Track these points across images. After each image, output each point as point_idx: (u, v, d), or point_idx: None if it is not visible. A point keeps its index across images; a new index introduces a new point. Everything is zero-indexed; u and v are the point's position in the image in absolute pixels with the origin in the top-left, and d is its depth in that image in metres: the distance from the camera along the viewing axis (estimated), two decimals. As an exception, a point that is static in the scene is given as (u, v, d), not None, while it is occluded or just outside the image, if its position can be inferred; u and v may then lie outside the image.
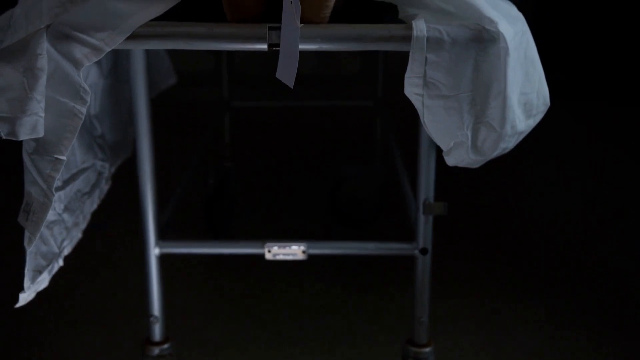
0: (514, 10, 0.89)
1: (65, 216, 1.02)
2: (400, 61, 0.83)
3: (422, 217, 1.12)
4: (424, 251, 1.14)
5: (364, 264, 1.67)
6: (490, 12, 0.80)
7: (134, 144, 1.14)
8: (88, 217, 1.12)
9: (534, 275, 1.65)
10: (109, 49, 0.80)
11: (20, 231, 0.89)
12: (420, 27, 0.80)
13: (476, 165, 0.90)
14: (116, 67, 1.17)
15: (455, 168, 0.91)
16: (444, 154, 0.89)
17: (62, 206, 1.01)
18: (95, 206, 1.15)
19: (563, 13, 2.82)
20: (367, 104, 2.07)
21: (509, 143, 0.87)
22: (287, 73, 0.81)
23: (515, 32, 0.83)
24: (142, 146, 1.08)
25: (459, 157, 0.88)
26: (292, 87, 0.81)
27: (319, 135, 2.44)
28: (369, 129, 2.13)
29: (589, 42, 2.83)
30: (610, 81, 2.82)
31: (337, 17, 0.86)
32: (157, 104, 1.15)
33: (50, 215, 0.98)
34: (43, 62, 0.78)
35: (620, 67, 2.82)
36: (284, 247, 1.14)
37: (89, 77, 1.08)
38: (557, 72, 2.71)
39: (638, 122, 2.55)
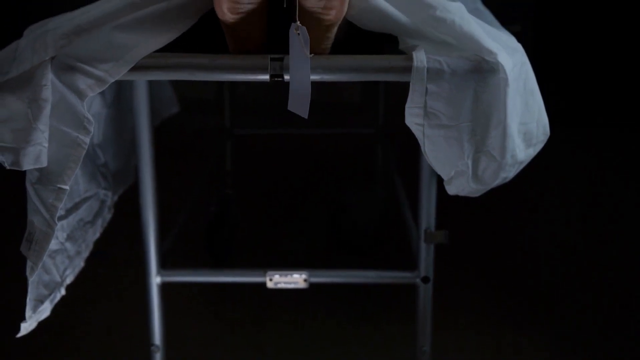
0: (513, 41, 0.90)
1: (68, 245, 1.02)
2: (401, 89, 0.84)
3: (423, 246, 1.12)
4: (425, 280, 1.14)
5: (365, 292, 1.66)
6: (489, 43, 0.81)
7: (136, 173, 1.14)
8: (90, 245, 1.12)
9: (537, 304, 1.64)
10: (113, 80, 0.81)
11: (22, 260, 0.89)
12: (420, 58, 0.81)
13: (477, 194, 0.90)
14: (119, 96, 1.18)
15: (457, 195, 0.92)
16: (444, 183, 0.89)
17: (64, 235, 1.02)
18: (97, 235, 1.15)
19: (562, 41, 2.84)
20: (368, 132, 2.08)
21: (510, 172, 0.88)
22: (299, 104, 0.81)
23: (514, 63, 0.84)
24: (144, 175, 1.08)
25: (459, 186, 0.88)
26: (306, 117, 0.82)
27: (320, 163, 2.45)
28: (369, 157, 2.14)
29: (588, 68, 2.85)
30: (610, 108, 2.83)
31: (339, 48, 0.87)
32: (159, 131, 1.16)
33: (53, 245, 0.98)
34: (47, 93, 0.79)
35: (620, 93, 2.84)
36: (286, 275, 1.14)
37: (92, 106, 1.09)
38: (556, 99, 2.72)
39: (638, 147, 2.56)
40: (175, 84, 1.47)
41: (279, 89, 0.85)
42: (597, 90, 2.86)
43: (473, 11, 1.03)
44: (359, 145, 2.44)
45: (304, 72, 0.80)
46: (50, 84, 0.79)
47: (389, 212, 1.88)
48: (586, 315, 1.60)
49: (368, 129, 2.09)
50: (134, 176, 1.26)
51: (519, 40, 0.93)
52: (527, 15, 2.70)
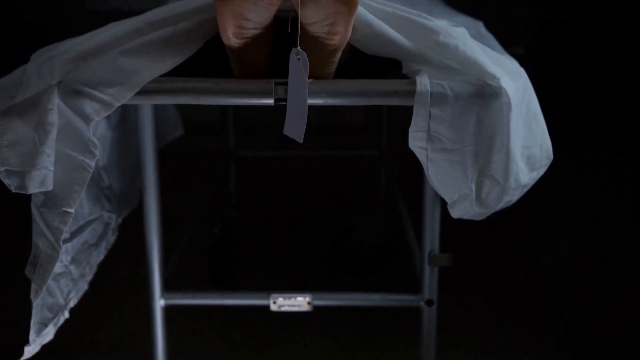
0: (515, 65, 0.91)
1: (72, 268, 1.02)
2: (404, 111, 0.85)
3: (427, 269, 1.13)
4: (429, 302, 1.14)
5: (369, 314, 1.66)
6: (492, 68, 0.82)
7: (141, 195, 1.15)
8: (95, 268, 1.12)
9: (540, 326, 1.63)
10: (119, 104, 0.81)
11: (26, 283, 0.89)
12: (423, 82, 0.82)
13: (480, 218, 0.90)
14: (124, 119, 1.19)
15: (460, 218, 0.92)
16: (448, 207, 0.89)
17: (69, 258, 1.02)
18: (101, 257, 1.15)
19: (565, 64, 2.85)
20: (372, 154, 2.09)
21: (513, 196, 0.88)
22: (295, 128, 0.82)
23: (517, 87, 0.84)
24: (148, 198, 1.09)
25: (463, 209, 0.88)
26: (301, 142, 0.83)
27: (324, 185, 2.45)
28: (373, 179, 2.14)
29: (591, 90, 2.86)
30: (612, 130, 2.83)
31: (343, 72, 0.88)
32: (163, 153, 1.16)
33: (57, 267, 0.98)
34: (54, 117, 0.80)
35: (622, 115, 2.84)
36: (289, 298, 1.14)
37: (97, 130, 1.10)
38: (558, 122, 2.73)
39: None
40: (180, 106, 1.48)
41: (283, 111, 0.86)
42: (599, 113, 2.86)
43: (476, 35, 1.04)
44: (363, 167, 2.45)
45: (301, 97, 0.81)
46: (56, 108, 0.80)
47: (393, 234, 1.87)
48: (590, 336, 1.59)
49: (372, 151, 2.09)
50: (138, 199, 1.26)
51: (522, 63, 0.94)
52: (530, 38, 2.72)
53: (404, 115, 0.85)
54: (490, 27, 1.22)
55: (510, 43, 2.83)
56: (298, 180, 2.48)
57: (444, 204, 0.92)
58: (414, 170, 1.00)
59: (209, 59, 0.89)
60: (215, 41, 0.85)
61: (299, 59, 0.80)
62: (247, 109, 2.31)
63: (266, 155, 2.40)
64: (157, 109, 1.08)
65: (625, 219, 2.21)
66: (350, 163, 2.52)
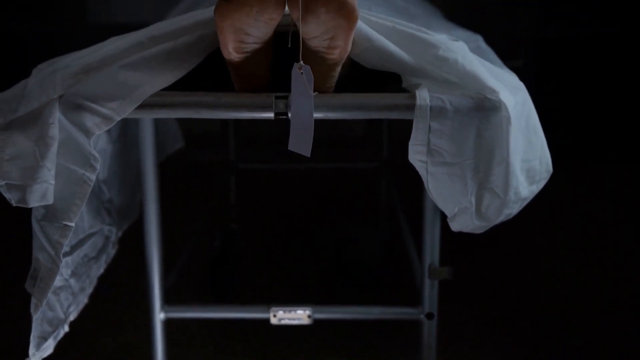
0: (515, 79, 0.91)
1: (72, 281, 1.02)
2: (404, 123, 0.85)
3: (427, 282, 1.12)
4: (429, 316, 1.14)
5: (369, 327, 1.65)
6: (491, 82, 0.82)
7: (141, 208, 1.15)
8: (94, 281, 1.12)
9: (541, 339, 1.63)
10: (120, 118, 0.81)
11: (26, 297, 0.89)
12: (423, 96, 0.82)
13: (480, 231, 0.91)
14: (125, 132, 1.19)
15: (460, 232, 0.92)
16: (448, 220, 0.89)
17: (69, 271, 1.02)
18: (102, 270, 1.15)
19: (565, 76, 2.86)
20: (372, 166, 2.09)
21: (513, 209, 0.88)
22: (301, 143, 0.82)
23: (516, 101, 0.84)
24: (149, 211, 1.09)
25: (463, 222, 0.88)
26: (308, 156, 0.83)
27: (325, 197, 2.45)
28: (373, 191, 2.14)
29: (591, 103, 2.87)
30: (613, 142, 2.84)
31: (343, 86, 0.88)
32: (163, 165, 1.16)
33: (57, 281, 0.98)
34: (55, 131, 0.80)
35: (623, 128, 2.85)
36: (290, 311, 1.14)
37: (98, 143, 1.10)
38: (558, 134, 2.73)
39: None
40: (181, 119, 1.49)
41: (282, 123, 0.86)
42: (599, 125, 2.87)
43: (475, 49, 1.05)
44: (363, 179, 2.45)
45: (306, 111, 0.81)
46: (57, 122, 0.80)
47: (393, 247, 1.87)
48: (591, 346, 1.59)
49: (372, 163, 2.10)
50: (138, 212, 1.26)
51: (522, 74, 0.94)
52: (530, 50, 2.73)
53: (404, 128, 0.85)
54: (489, 41, 1.22)
55: (509, 56, 2.84)
56: (298, 193, 2.48)
57: (444, 216, 0.92)
58: (414, 182, 1.00)
59: (209, 73, 0.90)
60: (215, 55, 0.86)
61: (302, 73, 0.80)
62: (247, 121, 2.31)
63: (266, 167, 2.41)
64: (158, 122, 1.08)
65: (625, 231, 2.21)
66: (351, 175, 2.52)
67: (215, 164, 2.14)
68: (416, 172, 0.86)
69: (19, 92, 0.86)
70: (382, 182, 2.03)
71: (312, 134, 0.82)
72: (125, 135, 1.19)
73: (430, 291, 1.13)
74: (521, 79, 0.95)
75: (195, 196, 2.34)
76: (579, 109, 2.87)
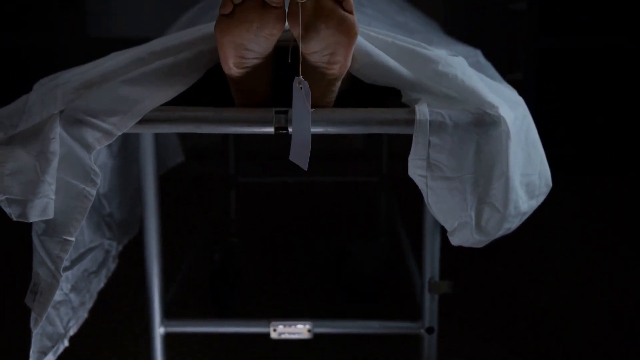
0: (514, 94, 0.92)
1: (72, 296, 1.02)
2: (404, 137, 0.85)
3: (427, 296, 1.12)
4: (429, 330, 1.13)
5: (369, 341, 1.65)
6: (491, 96, 0.82)
7: (141, 222, 1.15)
8: (95, 296, 1.12)
9: (542, 353, 1.63)
10: (120, 133, 0.82)
11: (26, 312, 0.89)
12: (423, 111, 0.82)
13: (480, 245, 0.91)
14: (125, 147, 1.19)
15: (460, 246, 0.92)
16: (448, 234, 0.89)
17: (69, 286, 1.02)
18: (102, 285, 1.15)
19: (564, 90, 2.87)
20: (372, 180, 2.09)
21: (513, 223, 0.88)
22: (300, 155, 0.83)
23: (515, 116, 0.85)
24: (149, 225, 1.09)
25: (463, 237, 0.89)
26: (306, 169, 0.83)
27: (325, 211, 2.45)
28: (373, 205, 2.14)
29: (590, 115, 2.87)
30: (612, 155, 2.84)
31: (342, 100, 0.88)
32: (163, 179, 1.17)
33: (57, 296, 0.98)
34: (56, 146, 0.80)
35: (621, 142, 2.85)
36: (290, 325, 1.14)
37: (98, 157, 1.10)
38: (558, 147, 2.73)
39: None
40: (181, 133, 1.49)
41: (283, 138, 0.86)
42: (598, 138, 2.87)
43: (474, 64, 1.05)
44: (363, 193, 2.45)
45: (305, 125, 0.82)
46: (58, 137, 0.80)
47: (393, 261, 1.87)
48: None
49: (372, 177, 2.10)
50: (138, 226, 1.26)
51: (521, 88, 0.95)
52: (529, 63, 2.74)
53: (404, 141, 0.86)
54: (489, 55, 1.23)
55: (509, 70, 2.85)
56: (298, 207, 2.48)
57: (444, 230, 0.92)
58: (414, 196, 1.00)
59: (209, 88, 0.90)
60: (215, 70, 0.86)
61: (301, 88, 0.80)
62: (247, 135, 2.32)
63: (266, 181, 2.41)
64: (158, 136, 1.08)
65: (624, 244, 2.21)
66: (351, 189, 2.52)
67: (216, 178, 2.14)
68: (416, 186, 0.86)
69: (21, 107, 0.86)
70: (382, 196, 2.03)
71: (310, 147, 0.82)
72: (125, 150, 1.19)
73: (430, 305, 1.13)
74: (521, 92, 0.95)
75: (195, 210, 2.34)
76: (580, 121, 2.88)
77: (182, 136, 1.53)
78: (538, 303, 1.86)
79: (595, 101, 2.88)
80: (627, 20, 2.82)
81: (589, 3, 2.81)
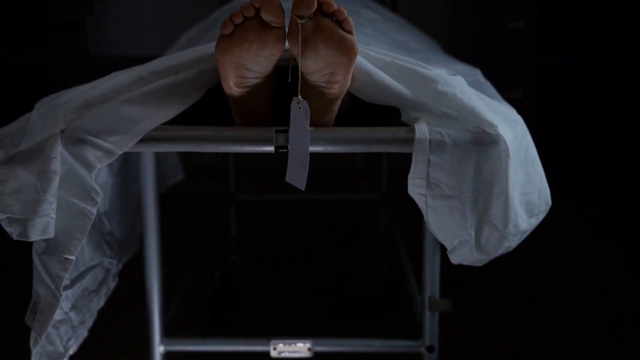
0: (513, 113, 0.92)
1: (72, 315, 1.02)
2: (404, 155, 0.86)
3: (428, 314, 1.12)
4: (430, 349, 1.13)
5: (369, 359, 1.65)
6: (490, 116, 0.83)
7: (141, 240, 1.15)
8: (95, 315, 1.12)
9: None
10: (121, 152, 0.82)
11: (26, 331, 0.89)
12: (422, 130, 0.83)
13: (480, 264, 0.90)
14: (126, 165, 1.19)
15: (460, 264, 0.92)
16: (448, 253, 0.89)
17: (69, 305, 1.02)
18: (102, 303, 1.15)
19: (563, 106, 2.87)
20: (372, 197, 2.09)
21: (512, 242, 0.88)
22: (297, 176, 0.83)
23: (515, 134, 0.85)
24: (149, 243, 1.09)
25: (463, 255, 0.89)
26: (303, 189, 0.83)
27: (325, 229, 2.45)
28: (373, 222, 2.14)
29: (589, 131, 2.88)
30: (611, 173, 2.84)
31: (342, 119, 0.89)
32: (163, 197, 1.17)
33: (57, 315, 0.98)
34: (57, 165, 0.80)
35: (621, 159, 2.86)
36: (290, 344, 1.14)
37: (99, 176, 1.10)
38: (557, 163, 2.74)
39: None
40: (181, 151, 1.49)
41: (283, 156, 0.87)
42: (598, 156, 2.87)
43: (473, 83, 1.06)
44: (363, 210, 2.45)
45: (303, 145, 0.82)
46: (59, 156, 0.80)
47: (393, 278, 1.87)
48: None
49: (372, 195, 2.10)
50: (138, 244, 1.26)
51: (520, 106, 0.95)
52: (528, 81, 2.75)
53: (404, 159, 0.86)
54: (489, 72, 1.23)
55: (509, 85, 2.86)
56: (298, 224, 2.48)
57: (444, 248, 0.92)
58: (414, 214, 1.00)
59: (210, 107, 0.90)
60: (216, 90, 0.86)
61: (300, 107, 0.81)
62: (247, 154, 2.32)
63: (266, 199, 2.41)
64: (158, 154, 1.09)
65: (624, 261, 2.20)
66: (351, 206, 2.53)
67: (216, 196, 2.14)
68: (416, 204, 0.86)
69: (22, 126, 0.87)
70: (382, 213, 2.03)
71: (307, 167, 0.82)
72: (126, 168, 1.20)
73: (430, 323, 1.13)
74: (520, 110, 0.96)
75: (195, 228, 2.34)
76: (579, 138, 2.89)
77: (183, 154, 1.53)
78: (538, 321, 1.85)
79: (595, 118, 2.88)
80: (625, 38, 2.83)
81: (587, 21, 2.82)
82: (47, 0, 2.78)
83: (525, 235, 0.90)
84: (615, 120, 2.87)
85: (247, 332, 1.75)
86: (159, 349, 1.13)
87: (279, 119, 0.87)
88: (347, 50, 0.77)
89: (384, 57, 0.87)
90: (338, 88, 0.81)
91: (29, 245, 0.87)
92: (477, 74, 1.16)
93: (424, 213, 0.86)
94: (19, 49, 2.86)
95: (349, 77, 0.81)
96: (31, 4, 2.79)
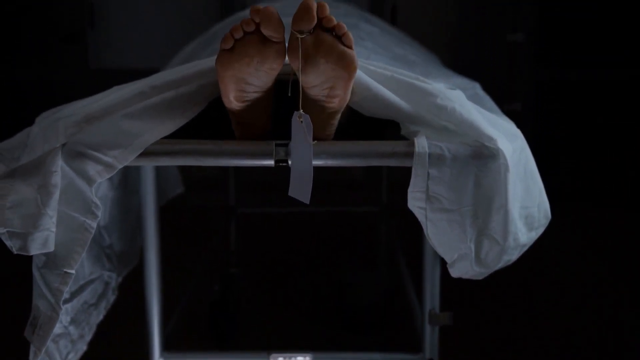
0: (512, 127, 0.92)
1: (72, 329, 1.02)
2: (404, 167, 0.86)
3: (428, 327, 1.12)
4: (430, 362, 1.13)
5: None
6: (489, 130, 0.83)
7: (141, 253, 1.15)
8: (94, 328, 1.11)
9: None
10: (121, 166, 0.82)
11: (25, 345, 0.89)
12: (422, 143, 0.83)
13: (480, 277, 0.90)
14: (126, 178, 1.19)
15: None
16: (448, 266, 0.89)
17: (68, 319, 1.01)
18: (101, 317, 1.14)
19: (563, 119, 2.88)
20: (372, 210, 2.09)
21: (512, 255, 0.88)
22: (301, 190, 0.83)
23: (514, 148, 0.85)
24: (149, 257, 1.09)
25: (463, 269, 0.89)
26: (307, 203, 0.83)
27: (325, 242, 2.45)
28: (373, 235, 2.14)
29: (589, 146, 2.88)
30: (611, 187, 2.85)
31: (342, 133, 0.89)
32: (163, 210, 1.17)
33: (57, 328, 0.97)
34: (57, 179, 0.80)
35: (621, 173, 2.86)
36: (290, 357, 1.13)
37: (99, 190, 1.10)
38: (557, 177, 2.74)
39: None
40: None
41: (282, 169, 0.87)
42: (598, 169, 2.88)
43: (472, 96, 1.06)
44: (363, 223, 2.45)
45: (306, 159, 0.82)
46: (60, 170, 0.80)
47: (393, 292, 1.87)
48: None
49: (371, 207, 2.10)
50: (138, 257, 1.26)
51: (520, 118, 0.95)
52: (528, 94, 2.76)
53: (404, 172, 0.86)
54: (488, 84, 1.24)
55: (508, 98, 2.86)
56: (298, 237, 2.48)
57: (444, 261, 0.92)
58: (414, 226, 1.00)
59: (210, 121, 0.91)
60: (216, 103, 0.87)
61: (301, 122, 0.81)
62: (247, 167, 2.33)
63: (266, 212, 2.41)
64: (158, 168, 1.09)
65: (624, 275, 2.20)
66: (350, 219, 2.52)
67: (215, 209, 2.14)
68: (416, 217, 0.86)
69: (23, 140, 0.87)
70: (382, 226, 2.03)
71: (312, 181, 0.82)
72: (126, 182, 1.20)
73: (430, 337, 1.13)
74: (520, 122, 0.96)
75: (195, 240, 2.34)
76: (579, 151, 2.89)
77: (183, 167, 1.53)
78: (538, 334, 1.85)
79: (594, 130, 2.89)
80: (625, 51, 2.84)
81: (587, 33, 2.84)
82: (47, 13, 2.79)
83: (525, 249, 0.90)
84: (614, 133, 2.88)
85: (247, 346, 1.75)
86: (158, 362, 1.13)
87: (279, 132, 0.87)
88: (347, 65, 0.78)
89: (383, 71, 0.87)
90: (338, 102, 0.82)
91: (29, 259, 0.87)
92: (476, 87, 1.16)
93: (424, 227, 0.86)
94: (20, 62, 2.86)
95: (349, 91, 0.81)
96: (31, 17, 2.80)
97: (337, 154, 0.85)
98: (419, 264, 1.13)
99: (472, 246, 0.86)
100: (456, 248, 0.87)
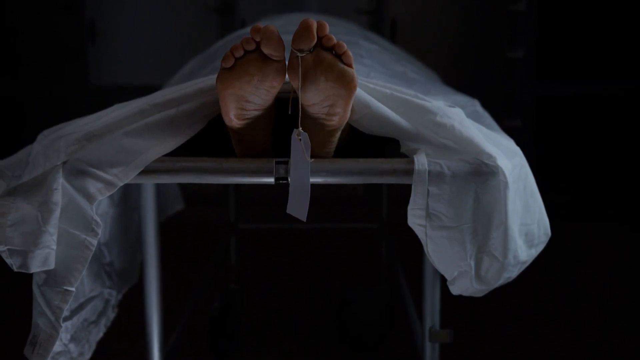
0: (511, 144, 0.93)
1: (71, 347, 1.02)
2: (404, 184, 0.86)
3: (428, 345, 1.12)
4: (431, 380, 1.12)
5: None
6: (488, 147, 0.83)
7: (141, 270, 1.14)
8: (94, 346, 1.11)
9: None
10: (122, 184, 0.82)
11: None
12: (421, 161, 0.83)
13: (480, 294, 0.90)
14: (126, 196, 1.20)
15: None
16: (448, 283, 0.89)
17: (68, 336, 1.01)
18: (101, 334, 1.14)
19: (563, 135, 2.89)
20: (372, 227, 2.09)
21: (512, 272, 0.88)
22: (298, 207, 0.83)
23: (513, 165, 0.86)
24: (149, 274, 1.09)
25: (463, 286, 0.88)
26: (304, 220, 0.83)
27: (325, 258, 2.45)
28: (373, 252, 2.14)
29: (589, 162, 2.89)
30: (611, 203, 2.85)
31: (342, 150, 0.89)
32: (163, 226, 1.17)
33: (56, 346, 0.97)
34: (58, 197, 0.80)
35: (621, 189, 2.86)
36: (290, 375, 1.13)
37: (100, 207, 1.10)
38: (556, 193, 2.74)
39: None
40: (182, 181, 1.49)
41: (283, 186, 0.87)
42: (597, 185, 2.88)
43: (472, 114, 1.06)
44: (363, 240, 2.45)
45: (304, 177, 0.82)
46: (60, 188, 0.81)
47: (394, 308, 1.86)
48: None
49: (372, 224, 2.10)
50: (138, 274, 1.26)
51: (520, 134, 0.95)
52: (527, 110, 2.76)
53: (404, 188, 0.86)
54: (487, 100, 1.24)
55: (508, 114, 2.87)
56: (298, 254, 2.48)
57: (444, 279, 0.92)
58: (415, 243, 1.00)
59: (210, 139, 0.91)
60: (216, 121, 0.87)
61: (300, 139, 0.81)
62: (247, 184, 2.33)
63: (266, 228, 2.41)
64: (159, 185, 1.09)
65: (624, 290, 2.20)
66: (351, 236, 2.52)
67: (216, 225, 2.14)
68: (416, 234, 0.87)
69: (24, 157, 0.87)
70: (382, 243, 2.03)
71: (309, 199, 0.83)
72: (126, 199, 1.20)
73: (431, 354, 1.12)
74: (520, 138, 0.96)
75: (195, 257, 2.34)
76: (578, 168, 2.89)
77: (183, 184, 1.53)
78: (539, 351, 1.84)
79: (594, 147, 2.89)
80: (624, 67, 2.85)
81: (586, 50, 2.85)
82: (48, 30, 2.80)
83: (525, 266, 0.90)
84: (614, 150, 2.88)
85: (247, 363, 1.74)
86: (158, 380, 1.12)
87: (279, 150, 0.87)
88: (346, 83, 0.78)
89: (382, 89, 0.88)
90: (338, 120, 0.82)
91: (29, 276, 0.87)
92: (476, 104, 1.17)
93: (424, 244, 0.86)
94: (21, 79, 2.87)
95: (349, 109, 0.82)
96: (32, 34, 2.82)
97: (336, 172, 0.85)
98: (419, 281, 1.13)
99: (472, 263, 0.86)
100: (456, 265, 0.87)
